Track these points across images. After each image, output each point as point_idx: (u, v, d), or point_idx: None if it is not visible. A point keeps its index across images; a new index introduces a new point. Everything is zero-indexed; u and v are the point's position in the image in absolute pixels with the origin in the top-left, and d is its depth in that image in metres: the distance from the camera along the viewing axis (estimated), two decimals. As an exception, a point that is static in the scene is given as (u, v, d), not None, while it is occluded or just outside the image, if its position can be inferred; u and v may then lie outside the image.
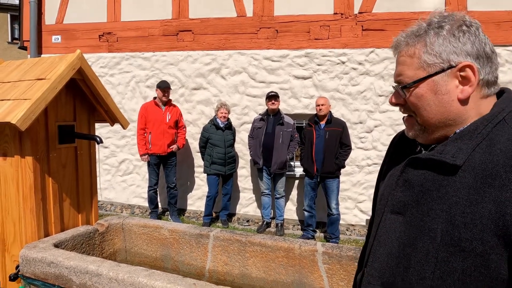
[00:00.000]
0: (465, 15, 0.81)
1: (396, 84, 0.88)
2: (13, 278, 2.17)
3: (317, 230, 5.03)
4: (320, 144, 4.57)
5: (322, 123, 4.63)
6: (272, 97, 4.88)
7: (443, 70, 0.79)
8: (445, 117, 0.81)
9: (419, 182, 0.81)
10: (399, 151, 0.95)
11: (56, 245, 2.22)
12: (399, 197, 0.85)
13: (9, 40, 17.96)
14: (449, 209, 0.74)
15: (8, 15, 17.86)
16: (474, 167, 0.74)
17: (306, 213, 4.84)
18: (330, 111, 4.68)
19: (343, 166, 4.67)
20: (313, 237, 4.81)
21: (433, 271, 0.75)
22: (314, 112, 4.85)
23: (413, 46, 0.82)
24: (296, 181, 5.52)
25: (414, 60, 0.82)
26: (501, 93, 0.84)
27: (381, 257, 0.86)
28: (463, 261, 0.72)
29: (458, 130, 0.81)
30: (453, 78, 0.79)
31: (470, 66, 0.77)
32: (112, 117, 2.72)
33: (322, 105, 4.56)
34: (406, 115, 0.89)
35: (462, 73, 0.78)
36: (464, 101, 0.79)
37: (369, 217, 5.20)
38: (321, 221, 5.21)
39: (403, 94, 0.85)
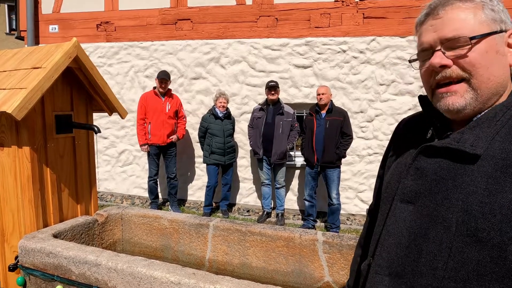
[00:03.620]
0: None
1: (456, 37, 0.76)
2: (12, 268, 2.16)
3: (317, 220, 5.03)
4: (321, 133, 4.54)
5: (323, 112, 4.59)
6: (272, 87, 4.82)
7: (501, 31, 0.75)
8: (501, 82, 0.75)
9: (432, 170, 0.78)
10: (406, 138, 0.92)
11: (55, 236, 2.21)
12: (410, 186, 0.82)
13: (7, 31, 17.81)
14: (465, 199, 0.72)
15: (6, 5, 17.68)
16: (494, 156, 0.71)
17: (306, 202, 4.83)
18: (331, 100, 4.63)
19: (344, 156, 4.64)
20: (313, 227, 4.81)
21: (446, 262, 0.73)
22: (315, 101, 4.81)
23: (472, 0, 0.76)
24: (297, 171, 5.50)
25: (477, 12, 0.75)
26: None
27: (390, 247, 0.83)
28: (479, 252, 0.69)
29: (475, 118, 0.77)
30: (504, 43, 0.76)
31: None
32: (110, 106, 2.69)
33: (322, 94, 4.52)
34: (448, 82, 0.79)
35: (510, 40, 0.75)
36: None
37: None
38: (322, 211, 5.21)
39: (463, 50, 0.75)
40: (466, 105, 0.77)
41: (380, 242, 0.86)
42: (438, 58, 0.77)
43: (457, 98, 0.77)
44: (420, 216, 0.78)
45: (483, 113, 0.77)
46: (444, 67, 0.77)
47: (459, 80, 0.77)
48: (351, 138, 4.62)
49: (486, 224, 0.68)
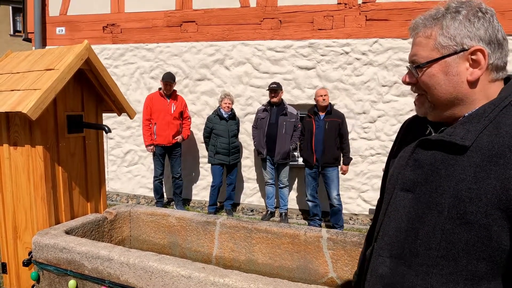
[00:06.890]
0: (482, 2, 0.86)
1: (410, 64, 0.92)
2: (27, 263, 2.22)
3: (322, 219, 5.08)
4: (320, 134, 4.62)
5: (322, 114, 4.66)
6: (272, 90, 4.90)
7: (455, 53, 0.84)
8: (453, 97, 0.86)
9: (428, 161, 0.87)
10: (409, 135, 1.00)
11: (67, 232, 2.27)
12: (409, 176, 0.90)
13: (11, 32, 17.95)
14: (456, 186, 0.80)
15: (10, 7, 17.83)
16: (481, 148, 0.79)
17: (310, 203, 4.88)
18: (330, 103, 4.72)
19: (350, 158, 4.77)
20: (319, 226, 4.87)
21: (439, 242, 0.81)
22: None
23: (430, 28, 0.87)
24: (300, 171, 5.56)
25: (429, 41, 0.87)
26: (507, 79, 0.89)
27: (391, 231, 0.92)
28: (468, 233, 0.77)
29: (467, 114, 0.86)
30: (464, 61, 0.84)
31: (481, 50, 0.82)
32: (119, 107, 2.75)
33: (325, 95, 4.59)
34: (417, 94, 0.94)
35: (473, 57, 0.83)
36: (473, 83, 0.84)
37: (372, 207, 5.25)
38: (325, 211, 5.26)
39: (415, 74, 0.90)
40: (426, 112, 0.93)
41: (382, 227, 0.95)
42: (406, 76, 0.95)
43: (419, 107, 0.95)
44: (418, 203, 0.87)
45: (474, 109, 0.85)
46: (410, 83, 0.94)
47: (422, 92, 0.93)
48: (348, 139, 4.76)
49: (473, 207, 0.77)
